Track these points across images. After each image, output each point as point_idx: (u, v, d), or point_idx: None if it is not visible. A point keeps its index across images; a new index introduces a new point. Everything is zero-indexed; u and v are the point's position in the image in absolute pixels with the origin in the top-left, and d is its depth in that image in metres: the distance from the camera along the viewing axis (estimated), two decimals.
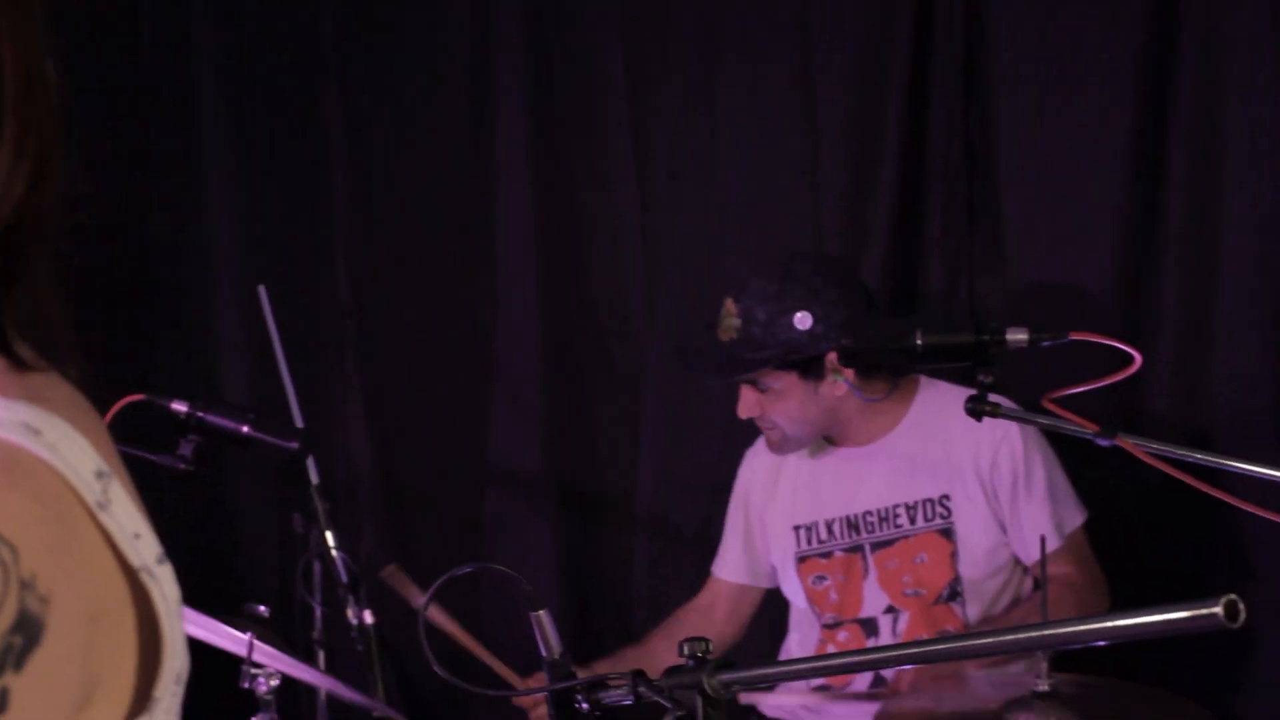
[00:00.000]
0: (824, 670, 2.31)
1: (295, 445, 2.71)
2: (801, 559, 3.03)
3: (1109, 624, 1.31)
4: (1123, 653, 2.90)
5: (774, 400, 2.87)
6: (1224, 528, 3.05)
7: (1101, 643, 1.37)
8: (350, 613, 2.93)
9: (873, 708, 2.87)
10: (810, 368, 2.83)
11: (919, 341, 2.11)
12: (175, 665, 0.85)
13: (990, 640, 1.63)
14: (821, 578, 3.01)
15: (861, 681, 2.94)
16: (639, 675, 1.76)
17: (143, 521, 0.84)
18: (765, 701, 3.14)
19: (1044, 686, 2.25)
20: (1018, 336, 2.05)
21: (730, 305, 2.84)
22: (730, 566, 3.18)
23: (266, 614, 2.69)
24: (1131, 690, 2.48)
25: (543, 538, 3.61)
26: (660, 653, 2.92)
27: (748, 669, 1.69)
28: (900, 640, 2.88)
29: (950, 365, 2.39)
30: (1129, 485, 2.94)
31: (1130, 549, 3.03)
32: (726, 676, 1.66)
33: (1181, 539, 3.09)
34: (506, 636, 3.42)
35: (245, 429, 2.68)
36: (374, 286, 3.85)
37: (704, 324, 2.94)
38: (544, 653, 2.01)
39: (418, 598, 2.85)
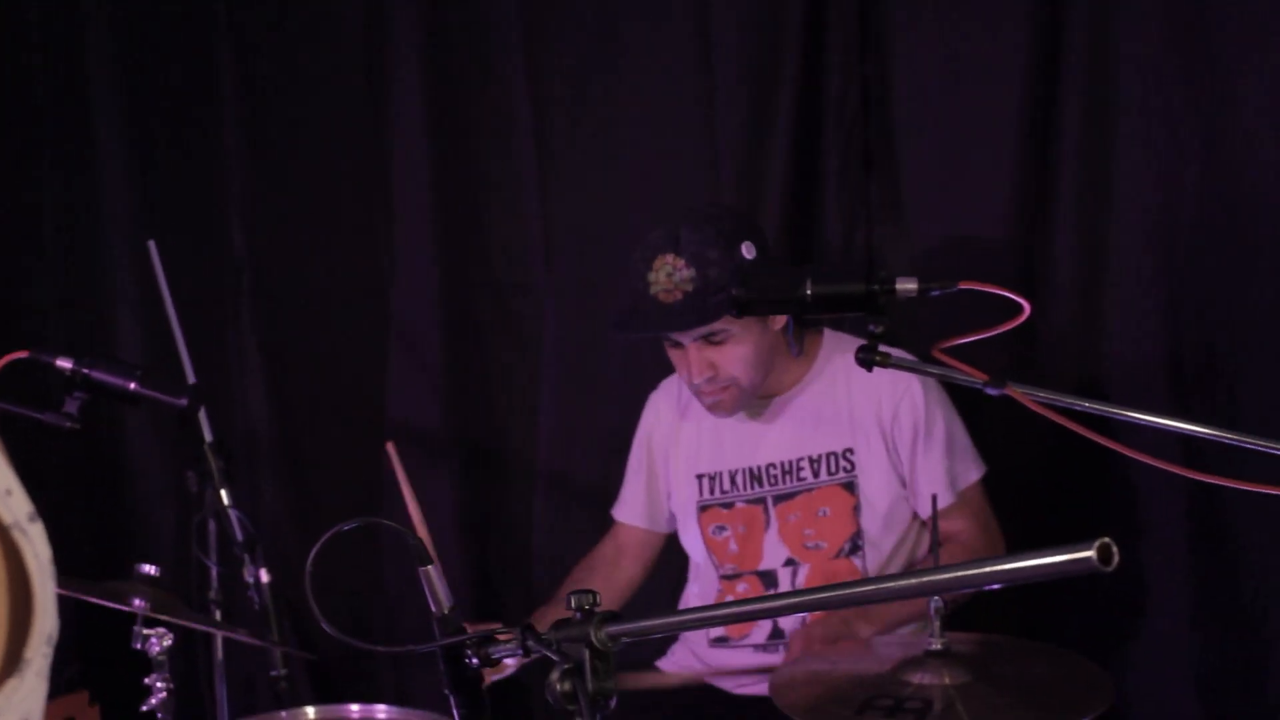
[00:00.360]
0: (712, 620, 2.30)
1: (184, 402, 2.66)
2: (703, 508, 3.02)
3: (986, 569, 1.31)
4: (1017, 611, 2.95)
5: (731, 348, 2.81)
6: (1115, 478, 3.08)
7: (982, 587, 1.37)
8: (246, 571, 2.90)
9: (772, 659, 2.89)
10: None
11: (809, 291, 2.09)
12: (46, 626, 0.83)
13: (876, 588, 1.62)
14: (721, 528, 3.01)
15: (760, 633, 2.95)
16: (527, 629, 1.74)
17: (14, 478, 0.81)
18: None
19: (937, 645, 2.28)
20: (907, 286, 2.04)
21: (672, 260, 2.72)
22: (630, 509, 3.17)
23: (156, 574, 2.66)
24: (1024, 647, 2.51)
25: (442, 493, 3.58)
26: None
27: (635, 620, 1.67)
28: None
29: (842, 315, 2.39)
30: (1022, 438, 2.96)
31: (1023, 501, 3.06)
32: (614, 629, 1.65)
33: (1073, 490, 3.11)
34: (406, 592, 3.41)
35: (132, 385, 2.63)
36: (269, 240, 3.80)
37: (636, 290, 2.78)
38: (433, 608, 1.99)
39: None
